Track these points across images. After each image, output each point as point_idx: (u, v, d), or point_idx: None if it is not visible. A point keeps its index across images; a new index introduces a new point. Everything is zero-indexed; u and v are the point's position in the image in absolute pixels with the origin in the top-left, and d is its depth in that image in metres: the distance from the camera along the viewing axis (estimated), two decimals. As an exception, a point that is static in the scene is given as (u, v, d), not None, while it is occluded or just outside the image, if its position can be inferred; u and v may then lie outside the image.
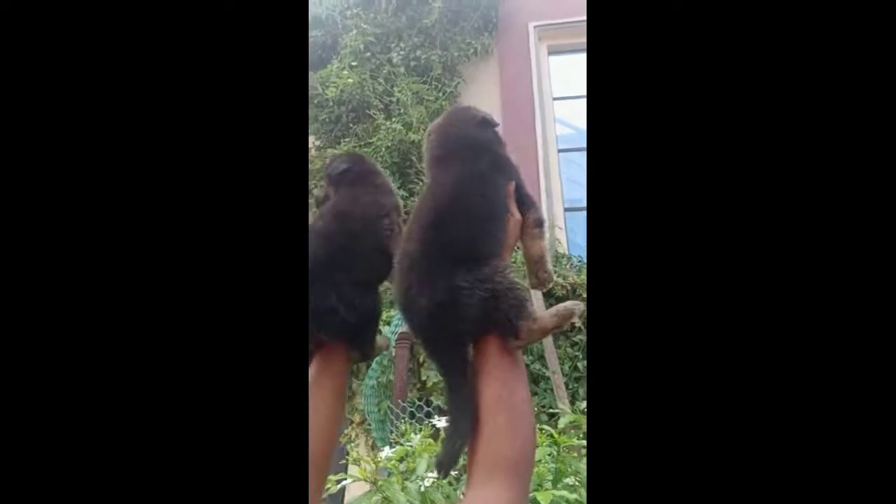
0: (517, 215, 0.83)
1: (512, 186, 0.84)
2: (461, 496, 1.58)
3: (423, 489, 1.45)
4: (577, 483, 1.29)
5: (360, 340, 0.85)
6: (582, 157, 4.65)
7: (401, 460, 1.60)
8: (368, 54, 4.60)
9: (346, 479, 1.26)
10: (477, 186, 0.81)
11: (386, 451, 1.41)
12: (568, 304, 0.76)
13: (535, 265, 0.85)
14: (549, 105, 4.89)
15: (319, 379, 0.82)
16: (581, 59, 4.75)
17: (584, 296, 3.16)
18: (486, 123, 0.90)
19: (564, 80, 5.04)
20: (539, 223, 0.85)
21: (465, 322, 0.72)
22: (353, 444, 3.27)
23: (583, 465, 1.32)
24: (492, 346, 0.73)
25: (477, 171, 0.83)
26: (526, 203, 0.85)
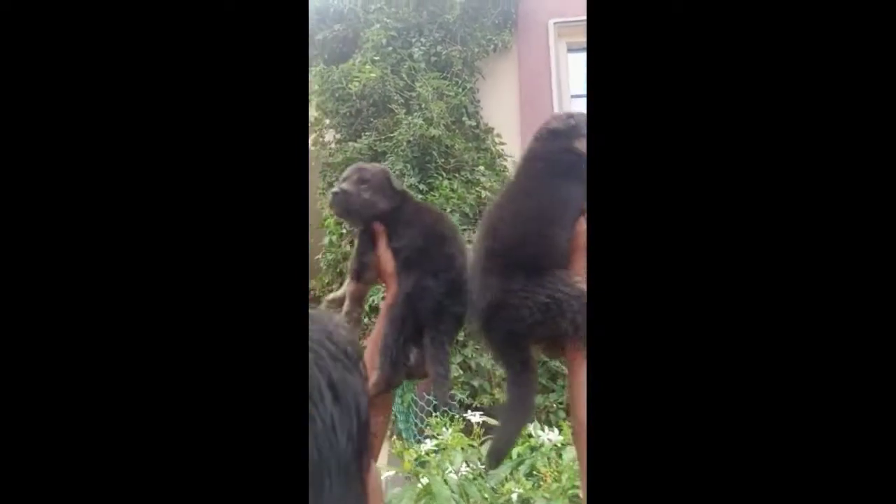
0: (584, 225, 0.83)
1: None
2: (492, 489, 1.64)
3: (459, 482, 1.51)
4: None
5: None
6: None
7: (434, 452, 1.66)
8: (390, 49, 4.62)
9: (391, 471, 1.32)
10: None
11: (427, 444, 1.47)
12: None
13: None
14: (567, 102, 4.90)
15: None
16: (601, 58, 4.73)
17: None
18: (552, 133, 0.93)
19: (583, 77, 5.04)
20: None
21: (519, 323, 0.78)
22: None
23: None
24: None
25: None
26: None
